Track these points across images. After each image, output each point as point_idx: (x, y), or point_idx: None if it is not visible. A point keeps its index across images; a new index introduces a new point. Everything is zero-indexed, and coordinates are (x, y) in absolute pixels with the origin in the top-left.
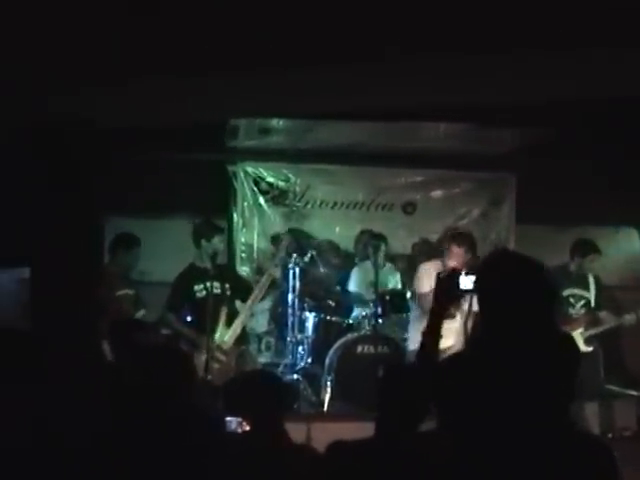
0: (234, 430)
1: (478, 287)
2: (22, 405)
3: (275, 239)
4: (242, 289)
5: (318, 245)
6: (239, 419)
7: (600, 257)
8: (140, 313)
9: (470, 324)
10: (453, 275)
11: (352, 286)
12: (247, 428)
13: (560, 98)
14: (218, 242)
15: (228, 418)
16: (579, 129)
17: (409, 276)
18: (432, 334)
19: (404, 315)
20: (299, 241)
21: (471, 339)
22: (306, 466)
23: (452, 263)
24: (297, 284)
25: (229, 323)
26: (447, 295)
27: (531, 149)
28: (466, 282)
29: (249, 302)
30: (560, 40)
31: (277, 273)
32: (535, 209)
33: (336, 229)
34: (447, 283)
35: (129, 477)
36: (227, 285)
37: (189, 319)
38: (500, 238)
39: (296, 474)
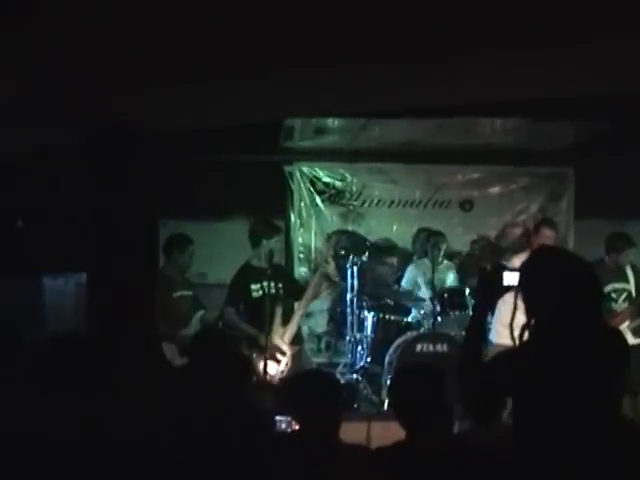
0: (284, 429)
1: (522, 283)
2: (84, 411)
3: (327, 239)
4: (295, 289)
5: (375, 244)
6: (289, 418)
7: (636, 249)
8: (199, 314)
9: (515, 320)
10: (497, 270)
11: (407, 284)
12: (296, 427)
13: (618, 91)
14: (275, 242)
15: (278, 417)
16: (638, 121)
17: (468, 273)
18: (476, 329)
19: (463, 313)
20: (354, 240)
21: (520, 336)
22: (359, 466)
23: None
24: (355, 283)
25: (285, 323)
26: (491, 290)
27: (589, 143)
28: (510, 278)
29: (303, 301)
30: (617, 32)
31: (329, 269)
32: (594, 204)
33: (393, 227)
34: (491, 278)
35: (187, 476)
36: (280, 285)
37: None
38: (560, 234)
39: (347, 474)
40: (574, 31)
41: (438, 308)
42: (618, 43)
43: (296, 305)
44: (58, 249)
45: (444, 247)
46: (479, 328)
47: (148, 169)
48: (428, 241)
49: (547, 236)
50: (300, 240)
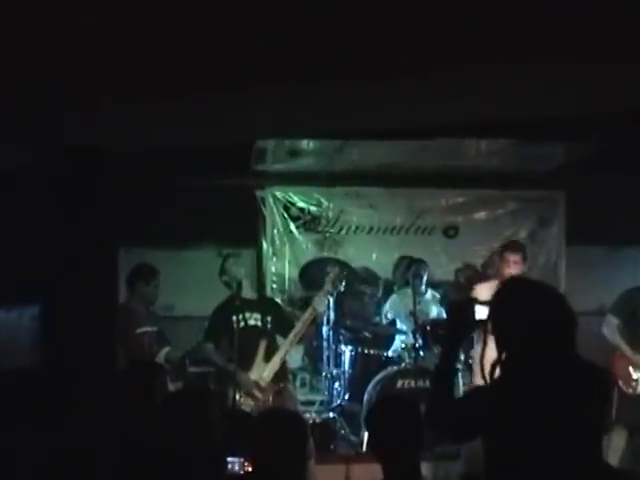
0: (236, 471)
1: (493, 317)
2: (35, 447)
3: (305, 270)
4: (284, 323)
5: (354, 273)
6: (242, 459)
7: None
8: (164, 351)
9: (486, 356)
10: (468, 304)
11: (388, 315)
12: (249, 469)
13: (608, 110)
14: (234, 269)
15: (230, 458)
16: (629, 143)
17: None
18: (445, 367)
19: None
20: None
21: (491, 372)
22: None
23: (508, 275)
24: (332, 315)
25: (268, 358)
26: (462, 326)
27: (579, 165)
28: (482, 311)
29: (290, 337)
30: (606, 53)
31: (321, 307)
32: (586, 229)
33: (373, 256)
34: (462, 313)
35: None
36: (269, 318)
37: (226, 352)
38: (550, 261)
39: None
40: (556, 49)
41: (420, 341)
42: (604, 63)
43: (281, 341)
44: (11, 279)
45: (426, 276)
46: (448, 366)
47: (110, 192)
48: (409, 270)
49: (512, 261)
50: (273, 269)
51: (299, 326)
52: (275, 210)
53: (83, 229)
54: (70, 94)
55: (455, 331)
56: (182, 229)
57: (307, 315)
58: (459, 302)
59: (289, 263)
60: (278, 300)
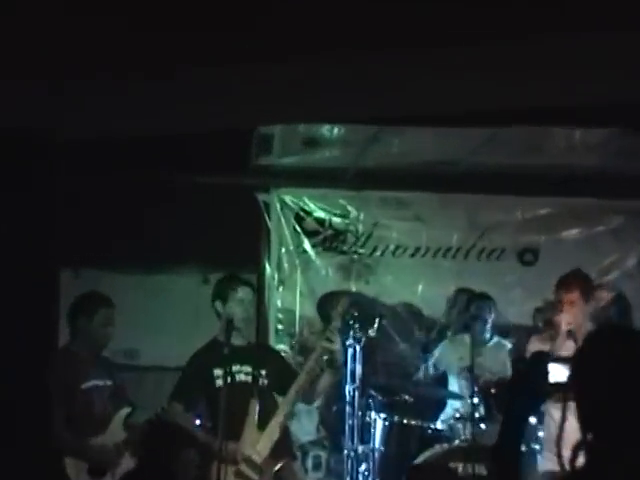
0: None
1: (575, 381)
2: None
3: (324, 303)
4: (284, 376)
5: (391, 311)
6: None
7: None
8: (122, 413)
9: (565, 434)
10: (538, 362)
11: (437, 371)
12: None
13: None
14: (237, 303)
15: None
16: None
17: None
18: (508, 448)
19: None
20: (362, 305)
21: (572, 458)
22: None
23: (564, 327)
24: (358, 369)
25: (263, 426)
26: (529, 393)
27: None
28: (558, 372)
29: (291, 394)
30: None
31: (333, 348)
32: None
33: (418, 288)
34: (529, 375)
35: None
36: (262, 371)
37: (202, 417)
38: None
39: None
40: None
41: (482, 410)
42: None
43: (280, 400)
44: None
45: (492, 317)
46: (511, 445)
47: (50, 193)
48: (469, 308)
49: (568, 302)
50: (279, 303)
51: (302, 378)
52: (283, 221)
53: (11, 245)
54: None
55: (524, 396)
56: (154, 245)
57: (312, 362)
58: (535, 355)
59: (301, 295)
60: (283, 347)
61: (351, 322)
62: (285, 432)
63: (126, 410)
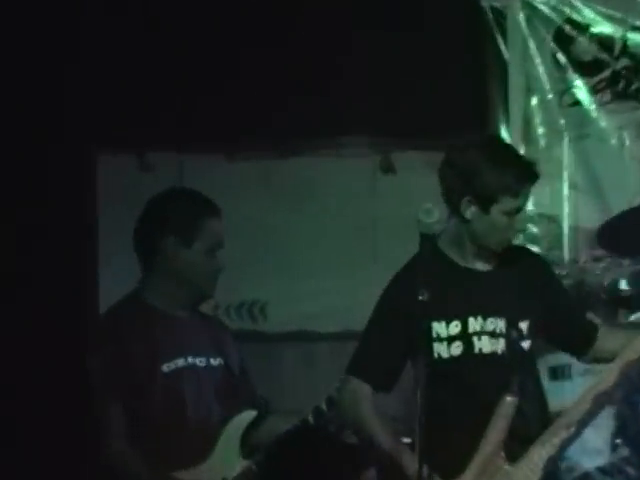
0: None
1: None
2: None
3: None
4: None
5: None
6: None
7: None
8: (243, 418)
9: None
10: None
11: None
12: None
13: None
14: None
15: None
16: None
17: None
18: None
19: None
20: None
21: None
22: None
23: None
24: None
25: (527, 435)
26: None
27: None
28: None
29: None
30: None
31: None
32: None
33: None
34: None
35: None
36: (523, 324)
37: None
38: None
39: None
40: None
41: None
42: None
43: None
44: None
45: None
46: None
47: None
48: None
49: None
50: (529, 204)
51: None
52: (532, 44)
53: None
54: None
55: None
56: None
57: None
58: None
59: (572, 188)
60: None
61: None
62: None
63: (249, 414)
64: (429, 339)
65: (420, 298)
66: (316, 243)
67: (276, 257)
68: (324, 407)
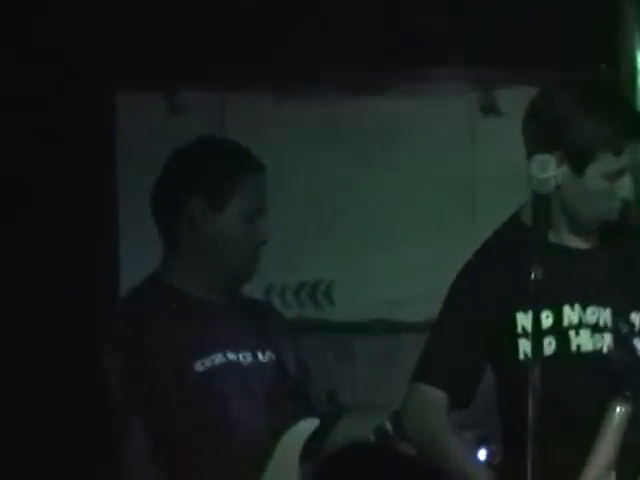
0: None
1: None
2: None
3: None
4: None
5: None
6: None
7: None
8: (306, 427)
9: None
10: None
11: None
12: None
13: None
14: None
15: None
16: None
17: None
18: None
19: None
20: None
21: None
22: None
23: None
24: None
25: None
26: None
27: None
28: None
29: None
30: None
31: None
32: None
33: None
34: None
35: None
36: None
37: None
38: None
39: None
40: None
41: None
42: None
43: None
44: None
45: None
46: None
47: None
48: None
49: None
50: None
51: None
52: None
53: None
54: None
55: None
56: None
57: None
58: None
59: None
60: None
61: None
62: None
63: (310, 423)
64: (513, 335)
65: (533, 277)
66: (396, 206)
67: (344, 225)
68: (388, 426)
